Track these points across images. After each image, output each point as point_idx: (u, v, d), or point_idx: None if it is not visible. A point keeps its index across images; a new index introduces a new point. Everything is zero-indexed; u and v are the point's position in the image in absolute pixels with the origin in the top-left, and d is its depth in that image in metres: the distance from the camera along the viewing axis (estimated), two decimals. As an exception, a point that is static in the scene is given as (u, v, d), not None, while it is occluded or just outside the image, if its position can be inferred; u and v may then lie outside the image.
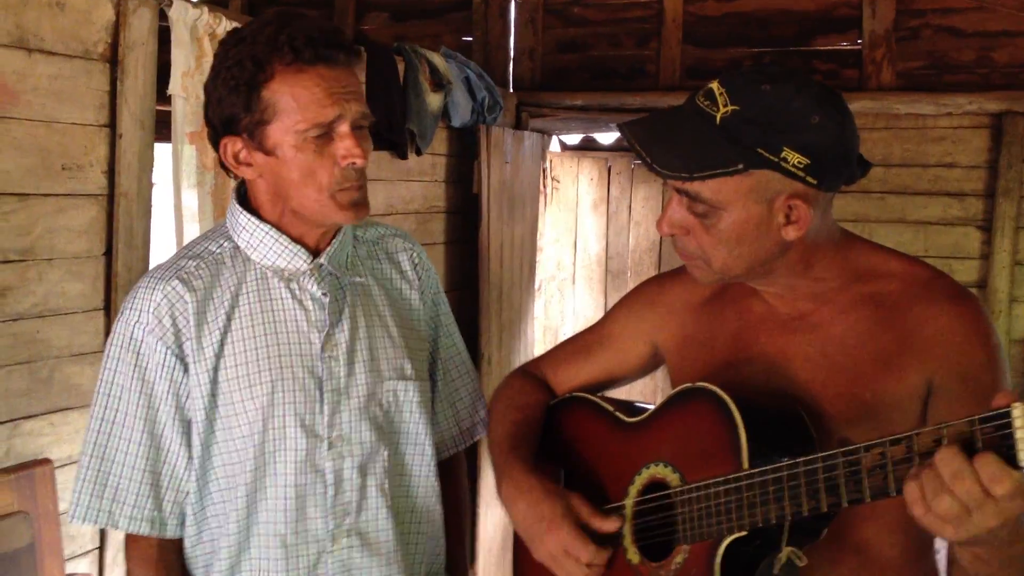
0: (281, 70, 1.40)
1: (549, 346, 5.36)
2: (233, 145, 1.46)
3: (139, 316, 1.45)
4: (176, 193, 2.52)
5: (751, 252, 1.31)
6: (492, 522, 4.39)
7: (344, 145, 1.42)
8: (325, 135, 1.42)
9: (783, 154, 1.23)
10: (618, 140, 5.52)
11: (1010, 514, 1.01)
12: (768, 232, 1.29)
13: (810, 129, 1.24)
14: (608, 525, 1.42)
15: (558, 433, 1.62)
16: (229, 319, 1.47)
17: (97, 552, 2.29)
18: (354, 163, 1.43)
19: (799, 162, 1.23)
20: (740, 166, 1.24)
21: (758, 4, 4.40)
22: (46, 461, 2.10)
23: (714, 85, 1.28)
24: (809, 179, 1.25)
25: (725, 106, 1.26)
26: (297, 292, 1.50)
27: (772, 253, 1.32)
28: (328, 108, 1.40)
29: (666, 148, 1.29)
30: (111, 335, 1.48)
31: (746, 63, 4.40)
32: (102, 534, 2.28)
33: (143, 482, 1.46)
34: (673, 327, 1.55)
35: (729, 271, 1.34)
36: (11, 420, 2.06)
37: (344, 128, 1.42)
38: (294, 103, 1.40)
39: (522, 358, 4.74)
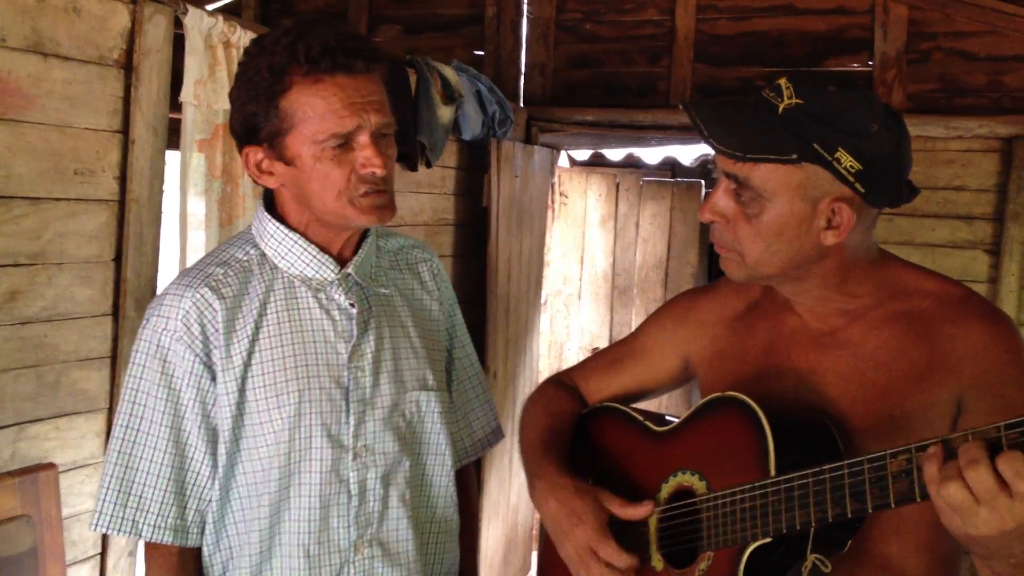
0: (298, 80, 1.39)
1: (554, 361, 5.38)
2: (255, 154, 1.46)
3: (167, 323, 1.44)
4: (182, 200, 2.53)
5: (787, 251, 1.31)
6: (494, 535, 4.38)
7: (364, 155, 1.42)
8: (344, 145, 1.41)
9: (837, 154, 1.24)
10: (627, 157, 5.53)
11: None
12: (808, 233, 1.30)
13: (868, 136, 1.25)
14: (639, 511, 1.41)
15: (589, 442, 1.63)
16: (257, 328, 1.46)
17: (99, 558, 2.28)
18: (373, 172, 1.42)
19: (851, 166, 1.25)
20: (794, 156, 1.25)
21: (770, 24, 4.41)
22: (51, 465, 2.10)
23: (782, 80, 1.30)
24: (858, 186, 1.26)
25: (790, 99, 1.28)
26: (324, 302, 1.50)
27: (808, 256, 1.32)
28: (346, 119, 1.39)
29: (726, 128, 1.31)
30: (137, 342, 1.47)
31: (758, 82, 4.40)
32: (104, 540, 2.28)
33: (167, 490, 1.45)
34: (704, 341, 1.56)
35: (762, 268, 1.34)
36: (17, 424, 2.06)
37: (364, 138, 1.42)
38: (312, 113, 1.39)
39: (528, 372, 4.73)
